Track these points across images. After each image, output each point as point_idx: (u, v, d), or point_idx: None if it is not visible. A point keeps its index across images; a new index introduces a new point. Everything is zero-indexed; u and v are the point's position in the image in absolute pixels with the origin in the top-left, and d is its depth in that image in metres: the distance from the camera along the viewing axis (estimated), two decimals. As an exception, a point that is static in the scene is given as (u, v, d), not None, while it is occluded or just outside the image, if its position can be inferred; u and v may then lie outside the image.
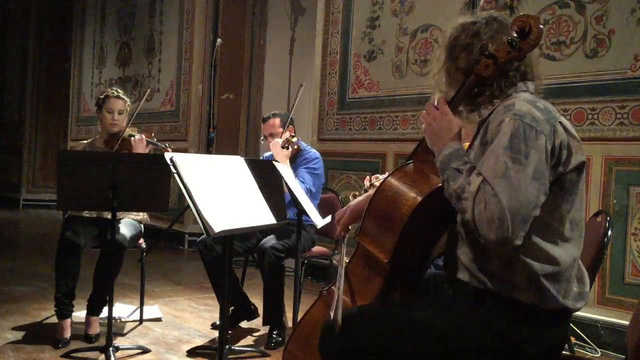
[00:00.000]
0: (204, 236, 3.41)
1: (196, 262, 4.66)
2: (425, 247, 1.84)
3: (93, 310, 3.40)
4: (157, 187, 3.09)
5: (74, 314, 3.38)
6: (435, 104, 1.71)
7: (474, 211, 1.49)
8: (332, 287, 1.87)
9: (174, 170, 2.38)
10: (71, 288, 3.31)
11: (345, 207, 1.92)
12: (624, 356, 3.33)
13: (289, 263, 3.75)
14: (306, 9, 6.54)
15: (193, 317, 4.00)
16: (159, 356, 3.20)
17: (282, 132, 3.73)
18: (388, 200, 1.72)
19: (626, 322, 3.03)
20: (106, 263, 3.28)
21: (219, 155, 2.75)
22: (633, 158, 3.52)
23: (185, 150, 6.84)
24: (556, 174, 1.56)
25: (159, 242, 6.24)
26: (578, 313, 1.87)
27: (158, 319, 3.87)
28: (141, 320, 3.78)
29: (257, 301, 3.69)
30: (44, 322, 3.69)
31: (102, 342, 3.22)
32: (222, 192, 2.49)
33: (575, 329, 3.51)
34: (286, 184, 3.10)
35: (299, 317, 2.28)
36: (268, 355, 3.24)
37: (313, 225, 3.37)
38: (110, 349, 3.00)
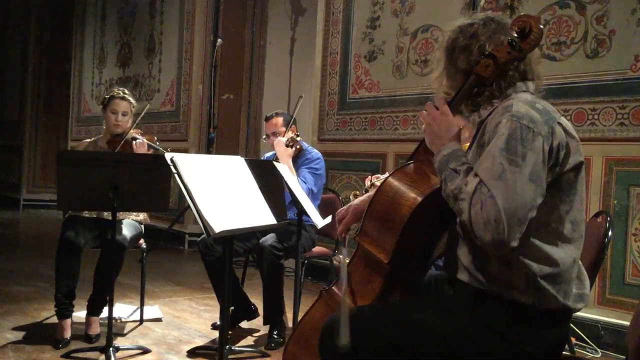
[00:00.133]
0: (204, 236, 3.41)
1: (196, 262, 4.66)
2: (426, 247, 1.84)
3: (93, 310, 3.40)
4: (157, 188, 3.09)
5: (74, 314, 3.38)
6: (435, 104, 1.72)
7: (470, 212, 1.48)
8: (333, 288, 1.87)
9: (174, 170, 2.38)
10: (71, 288, 3.31)
11: (346, 207, 1.92)
12: (624, 357, 3.33)
13: (290, 263, 3.76)
14: (306, 9, 6.54)
15: (193, 317, 4.00)
16: (159, 356, 3.20)
17: (285, 132, 3.73)
18: (388, 200, 1.71)
19: (627, 323, 3.03)
20: (107, 263, 3.28)
21: (219, 156, 2.75)
22: (633, 158, 3.52)
23: (185, 151, 6.84)
24: (554, 174, 1.56)
25: (159, 243, 6.24)
26: (578, 313, 1.87)
27: (158, 319, 3.87)
28: (141, 321, 3.77)
29: (257, 301, 3.69)
30: (44, 322, 3.69)
31: (102, 342, 3.22)
32: (222, 192, 2.49)
33: (576, 329, 3.51)
34: (286, 184, 3.10)
35: (299, 318, 2.27)
36: (268, 356, 3.24)
37: (313, 226, 3.37)
38: (111, 349, 2.99)
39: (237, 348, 3.30)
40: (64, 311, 3.30)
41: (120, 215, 3.49)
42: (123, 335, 3.52)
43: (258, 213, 2.63)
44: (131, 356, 3.17)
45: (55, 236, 3.58)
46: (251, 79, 7.27)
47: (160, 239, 6.23)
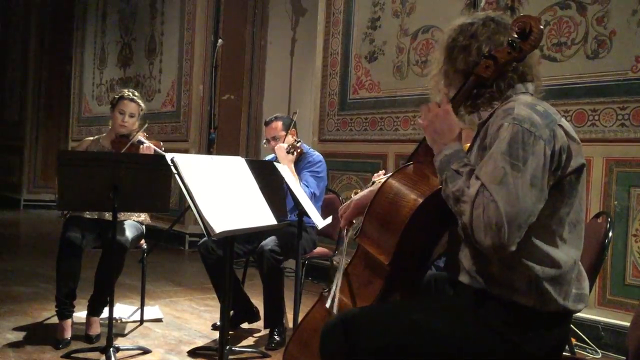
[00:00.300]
0: (205, 239, 3.41)
1: (197, 262, 4.66)
2: (426, 248, 1.84)
3: (94, 310, 3.40)
4: (158, 188, 3.09)
5: (74, 314, 3.38)
6: (439, 103, 1.71)
7: (471, 215, 1.48)
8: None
9: (174, 170, 2.38)
10: (72, 288, 3.31)
11: (347, 202, 1.93)
12: (624, 357, 3.33)
13: (290, 264, 3.76)
14: (307, 10, 6.54)
15: (194, 317, 4.00)
16: (160, 357, 3.20)
17: (285, 135, 3.73)
18: (389, 201, 1.71)
19: (627, 324, 3.03)
20: (108, 264, 3.28)
21: (219, 156, 2.75)
22: (634, 159, 3.51)
23: (186, 151, 6.84)
24: (556, 178, 1.56)
25: (160, 243, 6.24)
26: (579, 314, 1.87)
27: (159, 320, 3.87)
28: (142, 321, 3.78)
29: (258, 302, 3.69)
30: (44, 322, 3.69)
31: (102, 342, 3.22)
32: (222, 192, 2.49)
33: (576, 330, 3.51)
34: (287, 185, 3.10)
35: (300, 318, 2.27)
36: (268, 356, 3.24)
37: (314, 227, 3.37)
38: (111, 349, 2.99)
39: (237, 349, 3.30)
40: (65, 311, 3.30)
41: (121, 216, 3.50)
42: (123, 335, 3.52)
43: (258, 213, 2.63)
44: (131, 356, 3.17)
45: (56, 236, 3.58)
46: (252, 80, 7.27)
47: (160, 239, 6.23)
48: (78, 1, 9.96)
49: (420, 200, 1.66)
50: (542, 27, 1.64)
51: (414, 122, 4.76)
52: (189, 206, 2.40)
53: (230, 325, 3.45)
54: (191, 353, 3.24)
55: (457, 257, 1.69)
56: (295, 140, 3.63)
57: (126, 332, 3.59)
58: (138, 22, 8.26)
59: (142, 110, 3.68)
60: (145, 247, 3.75)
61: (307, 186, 3.60)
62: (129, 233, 3.41)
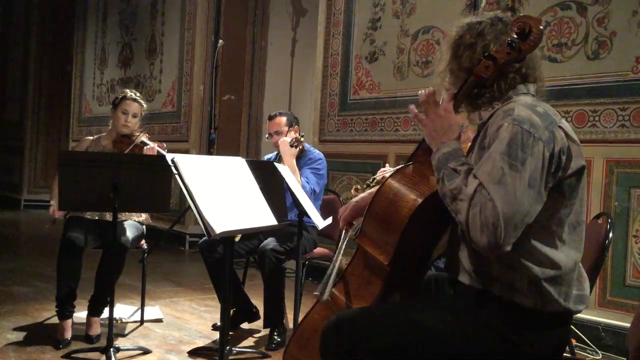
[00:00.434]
0: (205, 238, 3.41)
1: (197, 263, 4.66)
2: (426, 248, 1.84)
3: (94, 311, 3.41)
4: (158, 188, 3.09)
5: (75, 314, 3.38)
6: (441, 101, 1.71)
7: (468, 214, 1.48)
8: (333, 289, 1.87)
9: (175, 171, 2.38)
10: (72, 289, 3.31)
11: (347, 205, 1.93)
12: (625, 358, 3.33)
13: (290, 264, 3.75)
14: (307, 10, 6.54)
15: (194, 318, 4.00)
16: (160, 357, 3.20)
17: (288, 131, 3.75)
18: (388, 202, 1.71)
19: (627, 324, 3.03)
20: (108, 264, 3.28)
21: (220, 157, 2.75)
22: (634, 160, 3.51)
23: (186, 151, 6.84)
24: (556, 179, 1.56)
25: (160, 243, 6.24)
26: (579, 315, 1.87)
27: (159, 320, 3.87)
28: (142, 321, 3.78)
29: (258, 302, 3.69)
30: (44, 322, 3.70)
31: (103, 342, 3.22)
32: (223, 193, 2.50)
33: (577, 331, 3.51)
34: (287, 185, 3.10)
35: (300, 319, 2.28)
36: (269, 357, 3.24)
37: (314, 227, 3.37)
38: (111, 349, 3.00)
39: (237, 349, 3.30)
40: (65, 312, 3.31)
41: (122, 216, 3.50)
42: (124, 335, 3.52)
43: (259, 214, 2.63)
44: (132, 357, 3.17)
45: (56, 237, 3.58)
46: (252, 80, 7.27)
47: (161, 239, 6.24)
48: (79, 1, 9.97)
49: (420, 200, 1.66)
50: (541, 27, 1.64)
51: (415, 122, 4.76)
52: (190, 206, 2.40)
53: (230, 325, 3.45)
54: (191, 353, 3.24)
55: (457, 257, 1.69)
56: (300, 135, 3.65)
57: (126, 332, 3.59)
58: (138, 22, 8.26)
59: (144, 110, 3.68)
60: (146, 247, 3.75)
61: (307, 182, 3.61)
62: (130, 233, 3.41)
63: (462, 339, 1.61)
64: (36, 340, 3.32)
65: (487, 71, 1.64)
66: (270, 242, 3.42)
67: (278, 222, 2.71)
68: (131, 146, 3.48)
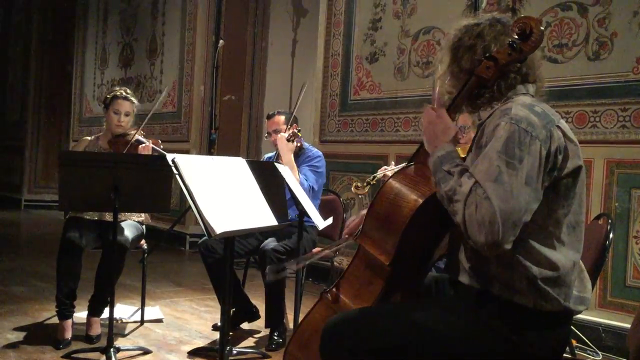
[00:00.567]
0: (205, 238, 3.41)
1: (197, 263, 4.66)
2: (427, 249, 1.84)
3: (94, 311, 3.40)
4: (158, 188, 3.09)
5: (75, 314, 3.38)
6: (434, 107, 1.73)
7: (464, 213, 1.49)
8: (334, 289, 1.87)
9: (175, 171, 2.38)
10: (72, 289, 3.31)
11: (358, 215, 1.94)
12: (625, 359, 3.33)
13: (291, 265, 3.75)
14: (308, 11, 6.54)
15: (194, 318, 4.00)
16: (160, 357, 3.20)
17: (286, 129, 3.75)
18: (389, 202, 1.72)
19: (627, 325, 3.03)
20: (108, 264, 3.28)
21: (220, 157, 2.75)
22: (635, 161, 3.51)
23: (186, 152, 6.84)
24: (552, 179, 1.56)
25: (161, 243, 6.24)
26: (579, 316, 1.87)
27: (159, 320, 3.87)
28: (142, 321, 3.78)
29: (259, 302, 3.69)
30: (45, 322, 3.69)
31: (103, 343, 3.22)
32: (223, 193, 2.49)
33: (577, 331, 3.51)
34: (287, 185, 3.10)
35: (300, 319, 2.27)
36: (269, 357, 3.24)
37: (314, 227, 3.37)
38: (111, 349, 3.00)
39: (237, 349, 3.30)
40: (65, 312, 3.30)
41: (122, 216, 3.50)
42: (124, 335, 3.52)
43: (259, 214, 2.63)
44: (132, 357, 3.17)
45: (56, 237, 3.58)
46: (253, 80, 7.27)
47: (161, 239, 6.24)
48: (79, 1, 9.97)
49: (421, 201, 1.66)
50: (542, 28, 1.64)
51: (415, 123, 4.76)
52: (190, 206, 2.40)
53: (230, 325, 3.45)
54: (191, 353, 3.24)
55: (457, 257, 1.70)
56: (297, 130, 3.65)
57: (126, 332, 3.59)
58: (139, 22, 8.27)
59: (135, 107, 3.66)
60: (146, 247, 3.75)
61: (305, 180, 3.61)
62: (129, 233, 3.41)
63: (462, 339, 1.61)
64: (36, 340, 3.32)
65: (488, 72, 1.64)
66: (270, 242, 3.42)
67: (278, 222, 2.71)
68: (127, 146, 3.47)
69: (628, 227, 3.52)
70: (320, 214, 3.24)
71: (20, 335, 3.41)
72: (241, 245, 3.56)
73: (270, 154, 4.09)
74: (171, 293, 4.71)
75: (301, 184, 3.46)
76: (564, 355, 1.74)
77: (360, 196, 4.79)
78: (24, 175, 10.64)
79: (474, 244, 1.48)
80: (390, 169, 3.42)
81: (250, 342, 3.58)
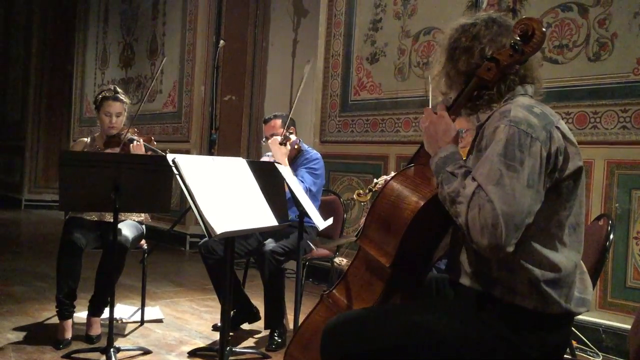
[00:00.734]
0: (205, 239, 3.41)
1: (197, 263, 4.66)
2: (427, 250, 1.84)
3: (94, 311, 3.40)
4: (159, 188, 3.09)
5: (75, 314, 3.38)
6: (434, 109, 1.73)
7: (467, 215, 1.48)
8: (334, 291, 1.87)
9: (176, 171, 2.38)
10: (72, 289, 3.31)
11: None
12: (625, 360, 3.33)
13: (291, 265, 3.75)
14: (309, 11, 6.55)
15: (194, 318, 4.00)
16: (160, 357, 3.20)
17: (283, 132, 3.74)
18: (390, 204, 1.71)
19: (628, 326, 3.03)
20: (108, 264, 3.28)
21: (221, 157, 2.75)
22: (635, 162, 3.51)
23: (187, 152, 6.85)
24: (552, 180, 1.55)
25: (161, 243, 6.24)
26: (580, 317, 1.87)
27: (159, 320, 3.87)
28: (142, 322, 3.78)
29: (259, 303, 3.69)
30: (45, 322, 3.70)
31: (103, 343, 3.22)
32: (224, 193, 2.49)
33: (577, 332, 3.51)
34: (288, 185, 3.10)
35: (300, 320, 2.27)
36: (269, 357, 3.24)
37: (314, 227, 3.37)
38: (111, 349, 3.00)
39: (237, 350, 3.30)
40: (65, 312, 3.30)
41: (122, 216, 3.50)
42: (124, 336, 3.52)
43: (259, 214, 2.63)
44: (132, 357, 3.17)
45: (56, 236, 3.58)
46: (253, 81, 7.27)
47: (161, 239, 6.24)
48: (80, 2, 9.98)
49: (422, 203, 1.66)
50: (544, 29, 1.64)
51: (415, 123, 4.76)
52: (190, 207, 2.40)
53: (230, 325, 3.45)
54: (191, 354, 3.24)
55: (458, 259, 1.69)
56: (289, 132, 3.62)
57: (127, 332, 3.59)
58: (140, 22, 8.27)
59: (127, 105, 3.63)
60: (146, 247, 3.75)
61: (302, 181, 3.60)
62: (129, 233, 3.41)
63: (462, 341, 1.60)
64: (36, 340, 3.32)
65: (489, 73, 1.64)
66: (269, 243, 3.41)
67: (278, 222, 2.71)
68: (120, 145, 3.47)
69: (628, 228, 3.52)
70: (321, 215, 3.24)
71: (20, 335, 3.41)
72: (241, 246, 3.56)
73: (270, 153, 4.08)
74: (171, 293, 4.71)
75: None
76: (565, 356, 1.74)
77: (363, 203, 4.79)
78: (24, 175, 10.64)
79: (477, 246, 1.48)
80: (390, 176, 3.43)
81: (250, 342, 3.58)
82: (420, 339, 1.60)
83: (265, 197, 2.70)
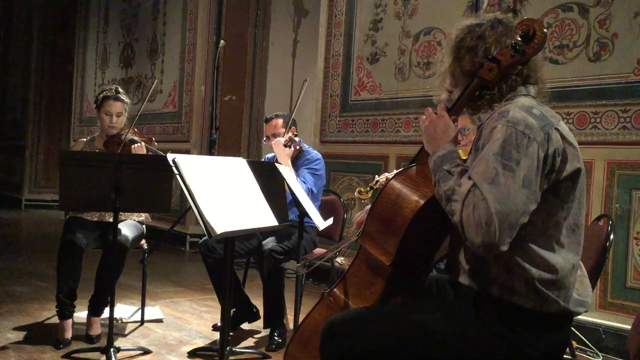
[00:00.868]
0: (205, 238, 3.41)
1: (197, 263, 4.66)
2: (428, 250, 1.84)
3: (94, 310, 3.40)
4: (159, 188, 3.09)
5: (75, 314, 3.38)
6: (434, 109, 1.73)
7: (462, 213, 1.49)
8: (335, 289, 1.87)
9: (176, 171, 2.38)
10: (72, 288, 3.31)
11: (364, 210, 1.94)
12: (625, 360, 3.33)
13: (291, 265, 3.75)
14: (309, 11, 6.55)
15: (194, 318, 4.00)
16: (160, 357, 3.20)
17: (285, 133, 3.74)
18: (391, 202, 1.72)
19: (628, 327, 3.03)
20: (108, 264, 3.28)
21: (221, 157, 2.75)
22: (635, 162, 3.51)
23: (187, 152, 6.85)
24: (550, 181, 1.56)
25: (161, 243, 6.24)
26: (580, 317, 1.87)
27: (159, 320, 3.87)
28: (142, 321, 3.78)
29: (259, 303, 3.69)
30: (45, 322, 3.70)
31: (103, 342, 3.22)
32: (224, 193, 2.49)
33: (577, 332, 3.51)
34: (288, 185, 3.10)
35: (300, 319, 2.27)
36: (269, 357, 3.24)
37: (314, 227, 3.37)
38: (111, 349, 3.00)
39: (237, 349, 3.30)
40: (65, 311, 3.30)
41: (122, 215, 3.50)
42: (124, 335, 3.52)
43: (260, 214, 2.63)
44: (132, 357, 3.17)
45: (57, 236, 3.58)
46: (253, 81, 7.27)
47: (161, 239, 6.24)
48: (80, 2, 9.98)
49: (422, 202, 1.66)
50: (545, 30, 1.64)
51: (416, 123, 4.76)
52: (190, 207, 2.40)
53: (230, 325, 3.45)
54: (191, 354, 3.24)
55: (457, 258, 1.70)
56: (294, 135, 3.63)
57: (127, 332, 3.59)
58: (140, 22, 8.27)
59: (127, 105, 3.63)
60: (146, 247, 3.75)
61: (304, 182, 3.60)
62: (130, 233, 3.41)
63: (461, 340, 1.61)
64: (36, 340, 3.32)
65: (490, 74, 1.65)
66: (268, 242, 3.42)
67: (279, 222, 2.71)
68: (121, 146, 3.46)
69: (628, 228, 3.52)
70: (321, 215, 3.24)
71: (20, 335, 3.41)
72: (241, 245, 3.56)
73: (270, 155, 4.08)
74: (171, 293, 4.71)
75: None
76: (564, 356, 1.74)
77: (363, 201, 4.79)
78: (25, 175, 10.64)
79: (470, 244, 1.48)
80: (392, 175, 3.43)
81: (250, 342, 3.58)
82: (420, 339, 1.61)
83: (265, 197, 2.70)
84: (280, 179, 3.09)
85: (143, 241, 3.70)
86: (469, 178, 1.52)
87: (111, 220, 3.12)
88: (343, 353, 1.62)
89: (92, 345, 3.26)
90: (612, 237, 2.24)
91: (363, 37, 5.21)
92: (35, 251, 6.54)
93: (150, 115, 7.64)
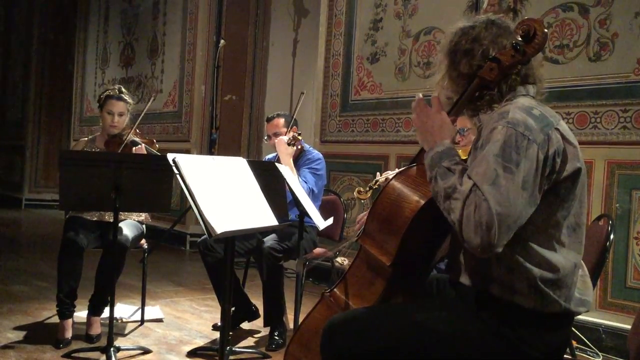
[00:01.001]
0: (204, 237, 3.41)
1: (197, 262, 4.66)
2: (428, 250, 1.84)
3: (94, 310, 3.41)
4: (159, 188, 3.09)
5: (75, 314, 3.38)
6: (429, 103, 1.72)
7: (462, 212, 1.48)
8: (335, 289, 1.87)
9: (176, 171, 2.38)
10: (73, 288, 3.31)
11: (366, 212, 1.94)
12: (625, 360, 3.33)
13: (291, 265, 3.75)
14: (309, 11, 6.54)
15: (194, 317, 4.00)
16: (160, 357, 3.20)
17: (286, 132, 3.74)
18: (391, 203, 1.72)
19: (628, 326, 3.03)
20: (108, 263, 3.28)
21: (221, 157, 2.75)
22: (636, 162, 3.51)
23: (187, 151, 6.85)
24: (550, 182, 1.55)
25: (161, 243, 6.24)
26: (580, 317, 1.87)
27: (159, 320, 3.87)
28: (142, 321, 3.78)
29: (258, 302, 3.69)
30: (45, 322, 3.70)
31: (103, 342, 3.22)
32: (224, 193, 2.49)
33: (577, 332, 3.51)
34: (288, 185, 3.10)
35: (301, 319, 2.27)
36: (269, 357, 3.24)
37: (314, 227, 3.37)
38: (112, 349, 3.00)
39: (237, 349, 3.30)
40: (65, 311, 3.31)
41: (122, 215, 3.49)
42: (124, 335, 3.52)
43: (260, 214, 2.63)
44: (132, 356, 3.17)
45: (57, 236, 3.58)
46: (253, 80, 7.27)
47: (161, 239, 6.24)
48: (81, 1, 9.98)
49: (423, 202, 1.66)
50: (546, 30, 1.64)
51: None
52: (190, 206, 2.40)
53: (230, 325, 3.45)
54: (191, 353, 3.24)
55: (458, 258, 1.69)
56: (298, 134, 3.63)
57: (127, 332, 3.59)
58: (140, 22, 8.27)
59: (130, 105, 3.63)
60: (146, 247, 3.75)
61: (305, 182, 3.60)
62: (130, 232, 3.41)
63: (462, 340, 1.61)
64: (36, 340, 3.32)
65: (491, 74, 1.64)
66: (268, 240, 3.42)
67: (279, 222, 2.71)
68: (121, 146, 3.46)
69: (629, 228, 3.52)
70: (321, 214, 3.24)
71: (20, 335, 3.41)
72: (241, 245, 3.56)
73: (271, 155, 4.08)
74: (171, 293, 4.71)
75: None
76: (564, 356, 1.74)
77: (363, 201, 4.79)
78: (25, 175, 10.64)
79: (467, 244, 1.48)
80: (392, 174, 3.43)
81: (250, 342, 3.58)
82: (421, 338, 1.61)
83: (265, 196, 2.70)
84: (280, 178, 3.09)
85: (143, 241, 3.70)
86: (469, 178, 1.52)
87: (111, 219, 3.12)
88: (344, 353, 1.62)
89: (92, 345, 3.26)
90: (612, 237, 2.24)
91: (363, 36, 5.21)
92: (35, 251, 6.55)
93: (150, 115, 7.63)
